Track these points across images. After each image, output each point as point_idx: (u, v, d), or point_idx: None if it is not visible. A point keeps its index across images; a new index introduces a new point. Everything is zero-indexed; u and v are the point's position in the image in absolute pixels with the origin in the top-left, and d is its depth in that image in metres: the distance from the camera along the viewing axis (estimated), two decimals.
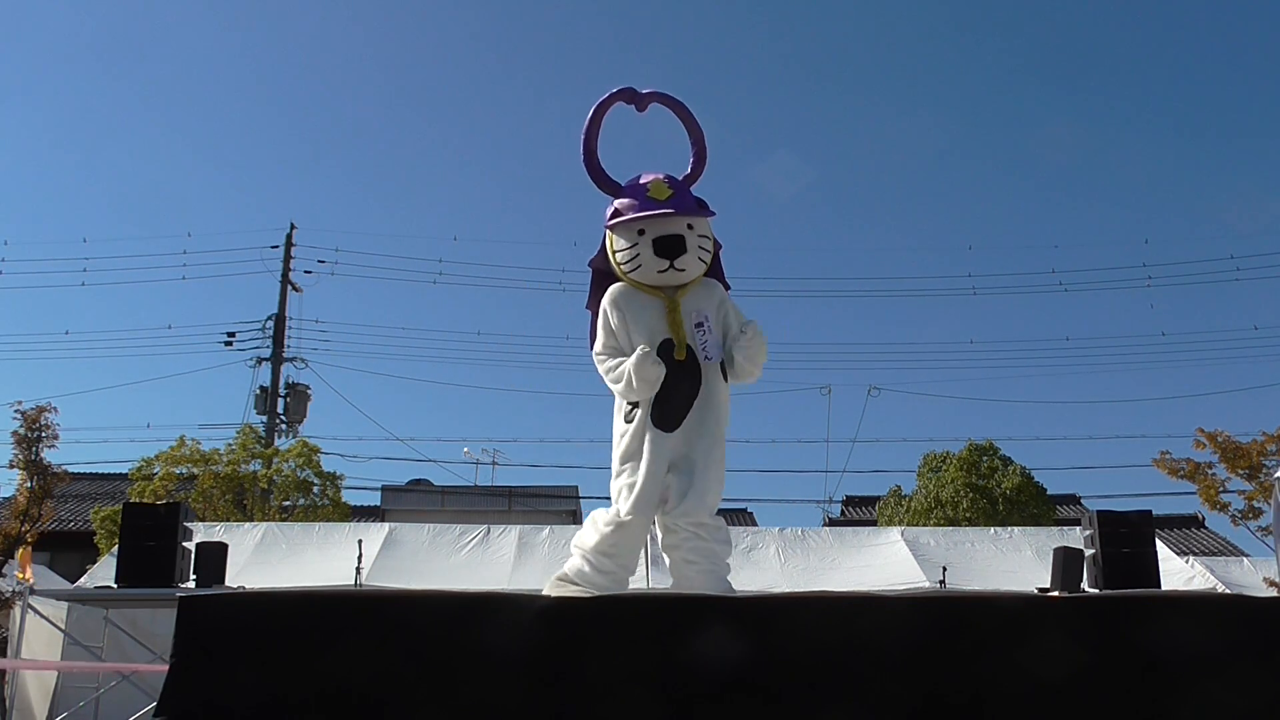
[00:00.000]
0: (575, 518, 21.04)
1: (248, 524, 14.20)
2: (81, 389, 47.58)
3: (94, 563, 14.44)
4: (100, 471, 23.69)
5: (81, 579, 12.75)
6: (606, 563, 4.11)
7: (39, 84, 44.18)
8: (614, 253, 4.34)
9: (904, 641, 3.05)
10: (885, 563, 12.60)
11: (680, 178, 4.42)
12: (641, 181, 4.35)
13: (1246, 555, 15.82)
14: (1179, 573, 12.19)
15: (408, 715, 2.94)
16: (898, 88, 45.82)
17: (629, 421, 4.21)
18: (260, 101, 45.79)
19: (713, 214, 4.39)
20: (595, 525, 4.20)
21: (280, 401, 23.23)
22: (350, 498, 19.36)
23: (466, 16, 46.07)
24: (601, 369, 4.25)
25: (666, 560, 4.25)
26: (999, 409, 50.06)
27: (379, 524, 14.57)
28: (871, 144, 45.80)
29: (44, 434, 13.22)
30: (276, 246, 24.44)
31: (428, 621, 3.07)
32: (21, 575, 11.44)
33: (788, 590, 9.26)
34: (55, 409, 13.43)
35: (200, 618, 3.06)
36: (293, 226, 24.68)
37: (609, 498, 4.25)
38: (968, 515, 17.48)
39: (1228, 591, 10.80)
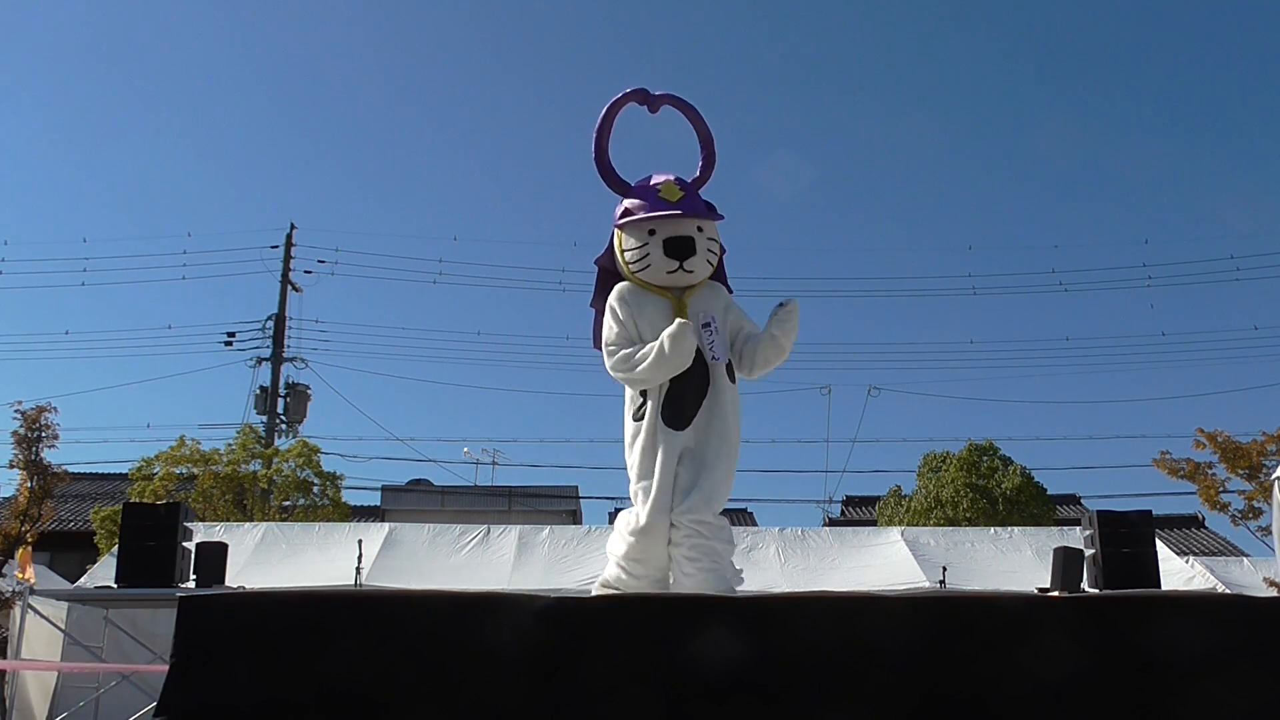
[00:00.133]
0: (575, 518, 21.05)
1: (248, 524, 14.20)
2: (81, 389, 47.65)
3: (94, 563, 14.44)
4: (100, 471, 23.69)
5: (81, 579, 12.75)
6: (639, 568, 4.17)
7: (39, 84, 44.21)
8: (623, 251, 4.34)
9: (904, 641, 3.05)
10: (885, 563, 12.60)
11: (689, 180, 4.43)
12: (652, 182, 4.35)
13: (1246, 555, 15.82)
14: (1179, 573, 12.19)
15: (408, 715, 2.94)
16: (898, 88, 45.84)
17: (638, 420, 4.22)
18: (260, 101, 45.81)
19: (721, 218, 4.41)
20: (621, 533, 4.25)
21: (280, 401, 23.23)
22: (350, 498, 19.39)
23: (466, 16, 46.08)
24: (614, 360, 4.21)
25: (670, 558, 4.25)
26: (999, 409, 50.10)
27: (379, 524, 14.57)
28: (871, 144, 45.83)
29: (44, 434, 13.21)
30: (276, 246, 24.47)
31: (428, 621, 3.07)
32: (21, 575, 11.44)
33: (788, 590, 9.27)
34: (55, 409, 13.43)
35: (200, 618, 3.06)
36: (293, 226, 24.72)
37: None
38: (968, 515, 17.48)
39: (1228, 591, 10.80)
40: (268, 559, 12.34)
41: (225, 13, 44.02)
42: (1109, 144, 43.28)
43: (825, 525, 19.89)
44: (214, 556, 10.31)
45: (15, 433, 13.17)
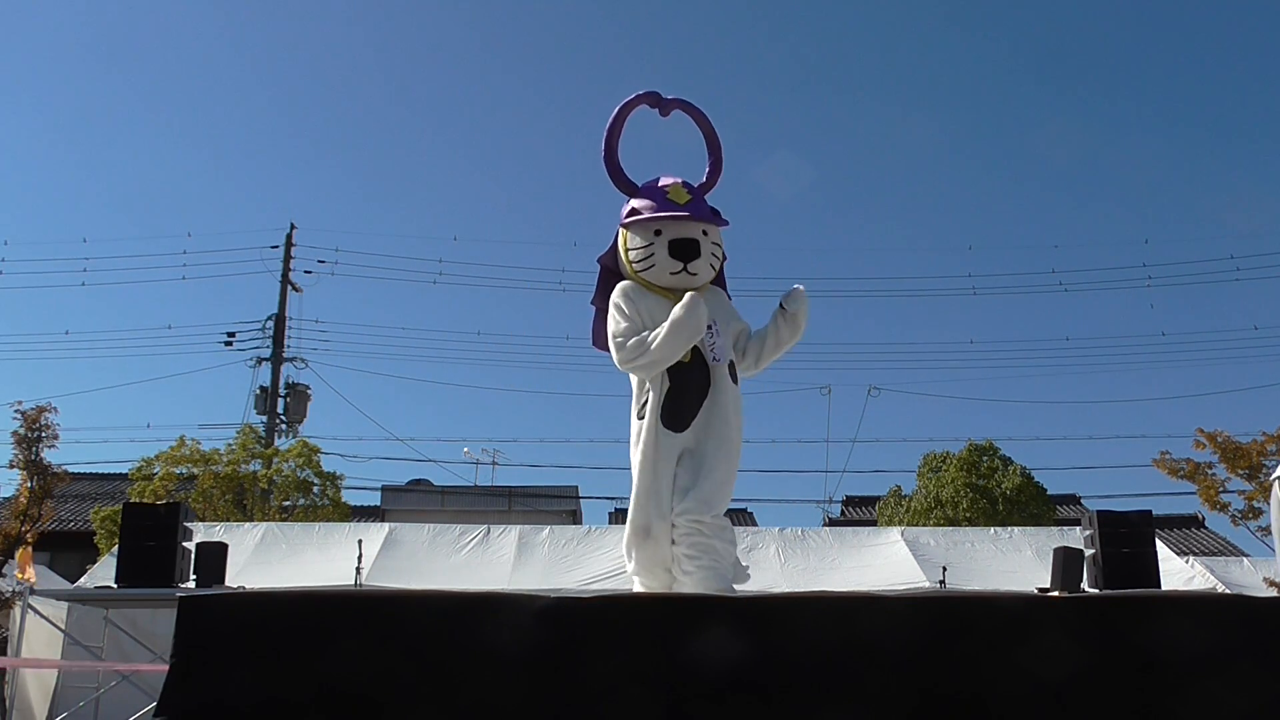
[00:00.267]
0: (575, 518, 21.05)
1: (248, 524, 14.20)
2: (81, 389, 47.63)
3: (94, 563, 14.44)
4: (100, 471, 23.69)
5: (81, 579, 12.75)
6: (657, 570, 4.21)
7: (39, 84, 44.21)
8: (628, 250, 4.35)
9: (904, 641, 3.05)
10: (885, 563, 12.60)
11: (695, 185, 4.45)
12: (661, 184, 4.38)
13: (1246, 555, 15.83)
14: (1179, 573, 12.19)
15: (407, 715, 2.94)
16: (898, 88, 45.84)
17: (642, 418, 4.24)
18: (260, 101, 45.81)
19: (725, 223, 4.43)
20: (630, 544, 4.27)
21: (280, 401, 23.23)
22: (350, 498, 19.39)
23: (466, 16, 46.08)
24: (626, 350, 4.21)
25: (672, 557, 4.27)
26: (999, 409, 50.06)
27: (379, 524, 14.57)
28: (871, 144, 45.83)
29: (44, 434, 13.21)
30: (276, 246, 24.48)
31: (428, 621, 3.07)
32: (21, 575, 11.44)
33: (788, 590, 9.27)
34: (55, 409, 13.42)
35: (200, 618, 3.06)
36: (293, 226, 24.72)
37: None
38: (968, 515, 17.48)
39: (1228, 591, 10.80)
40: (268, 559, 12.34)
41: (225, 13, 44.06)
42: (1109, 144, 43.31)
43: (825, 525, 19.89)
44: (214, 556, 10.31)
45: (15, 433, 13.17)
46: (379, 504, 22.19)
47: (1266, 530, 13.14)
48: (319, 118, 45.31)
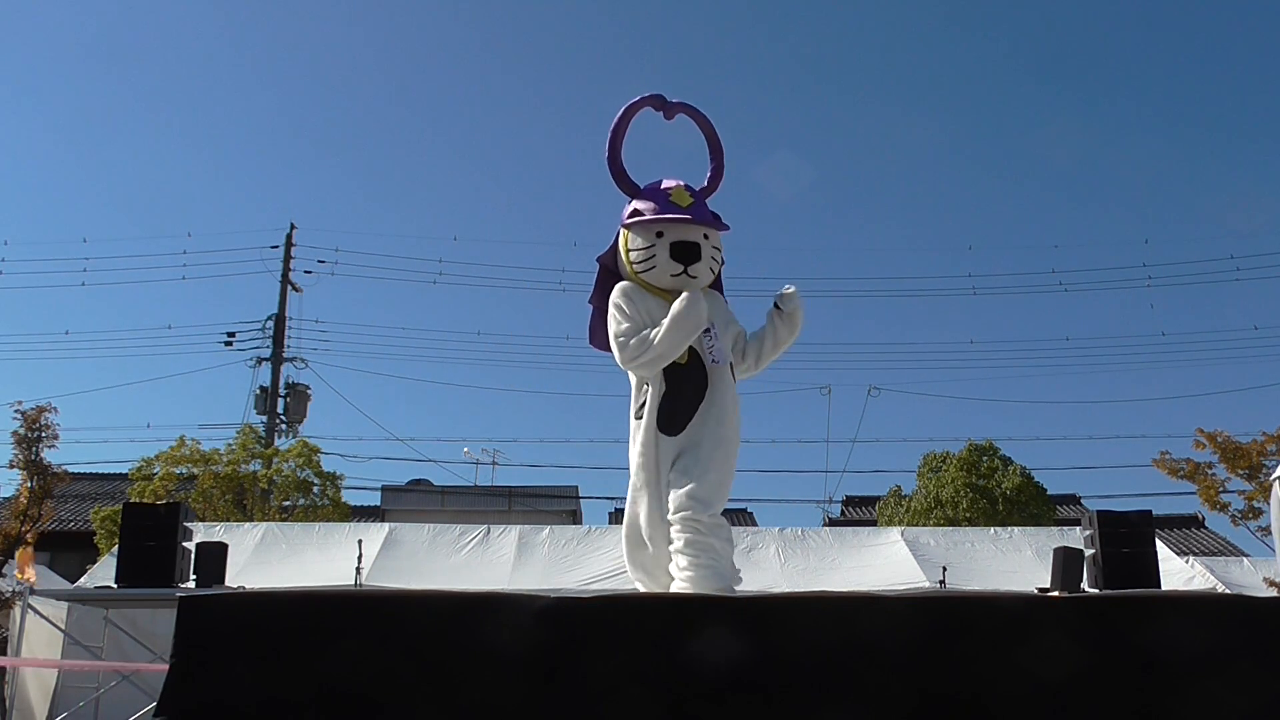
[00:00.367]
0: (575, 518, 21.05)
1: (248, 524, 14.20)
2: (81, 389, 47.59)
3: (94, 563, 14.43)
4: (100, 471, 23.69)
5: (81, 579, 12.74)
6: (657, 573, 4.23)
7: (39, 84, 44.21)
8: (628, 251, 4.36)
9: (904, 641, 3.05)
10: (885, 563, 12.60)
11: (698, 189, 4.47)
12: (663, 186, 4.40)
13: (1246, 555, 15.83)
14: (1179, 573, 12.19)
15: (407, 715, 2.94)
16: (898, 88, 45.84)
17: (639, 418, 4.26)
18: (260, 101, 45.81)
19: (726, 228, 4.45)
20: (628, 548, 4.30)
21: (280, 401, 23.23)
22: (350, 498, 19.38)
23: (466, 16, 46.09)
24: (628, 349, 4.22)
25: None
26: (999, 409, 50.01)
27: (379, 524, 14.57)
28: (871, 144, 45.83)
29: (44, 434, 13.20)
30: (276, 246, 24.47)
31: (428, 621, 3.07)
32: (21, 575, 11.43)
33: (788, 590, 9.27)
34: (55, 409, 13.41)
35: (200, 618, 3.06)
36: (293, 226, 24.71)
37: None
38: (968, 515, 17.48)
39: (1228, 591, 10.80)
40: (268, 559, 12.33)
41: (225, 13, 44.06)
42: (1109, 144, 43.32)
43: (825, 525, 19.89)
44: (214, 556, 10.30)
45: (15, 433, 13.17)
46: (379, 504, 22.18)
47: (1266, 530, 13.14)
48: (319, 118, 45.35)
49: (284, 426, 23.02)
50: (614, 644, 3.05)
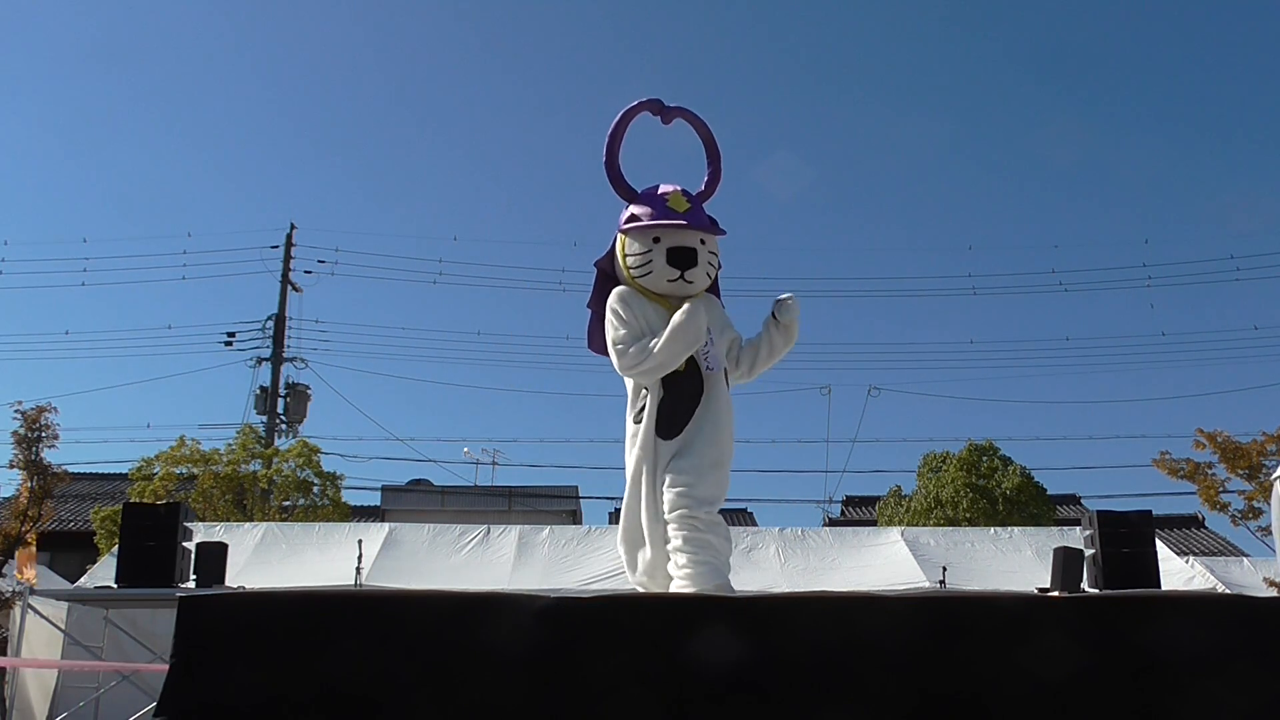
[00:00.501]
0: (575, 518, 21.05)
1: (248, 524, 14.20)
2: (81, 389, 47.59)
3: (94, 563, 14.44)
4: (100, 471, 23.68)
5: (81, 579, 12.74)
6: (658, 575, 4.24)
7: (39, 84, 44.21)
8: (625, 256, 4.39)
9: (904, 641, 3.05)
10: (885, 563, 12.60)
11: (694, 194, 4.49)
12: (660, 191, 4.42)
13: (1246, 555, 15.82)
14: (1179, 573, 12.19)
15: (407, 715, 2.94)
16: (898, 88, 45.84)
17: (637, 422, 4.29)
18: (260, 101, 45.81)
19: (723, 233, 4.47)
20: (627, 552, 4.32)
21: (280, 401, 23.23)
22: (350, 498, 19.38)
23: (466, 16, 46.09)
24: (627, 356, 4.25)
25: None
26: (999, 409, 50.03)
27: (379, 524, 14.57)
28: (871, 144, 45.84)
29: (44, 434, 13.20)
30: (276, 246, 24.47)
31: (428, 621, 3.07)
32: (21, 575, 11.43)
33: (788, 590, 9.27)
34: (55, 409, 13.41)
35: (200, 618, 3.06)
36: (293, 226, 24.71)
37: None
38: (968, 515, 17.48)
39: (1228, 591, 10.80)
40: (268, 559, 12.34)
41: (225, 13, 44.06)
42: (1109, 144, 43.33)
43: (825, 525, 19.88)
44: (214, 556, 10.30)
45: (15, 433, 13.17)
46: (379, 504, 22.18)
47: (1266, 530, 13.13)
48: (319, 118, 45.35)
49: (284, 426, 23.02)
50: (614, 644, 3.05)
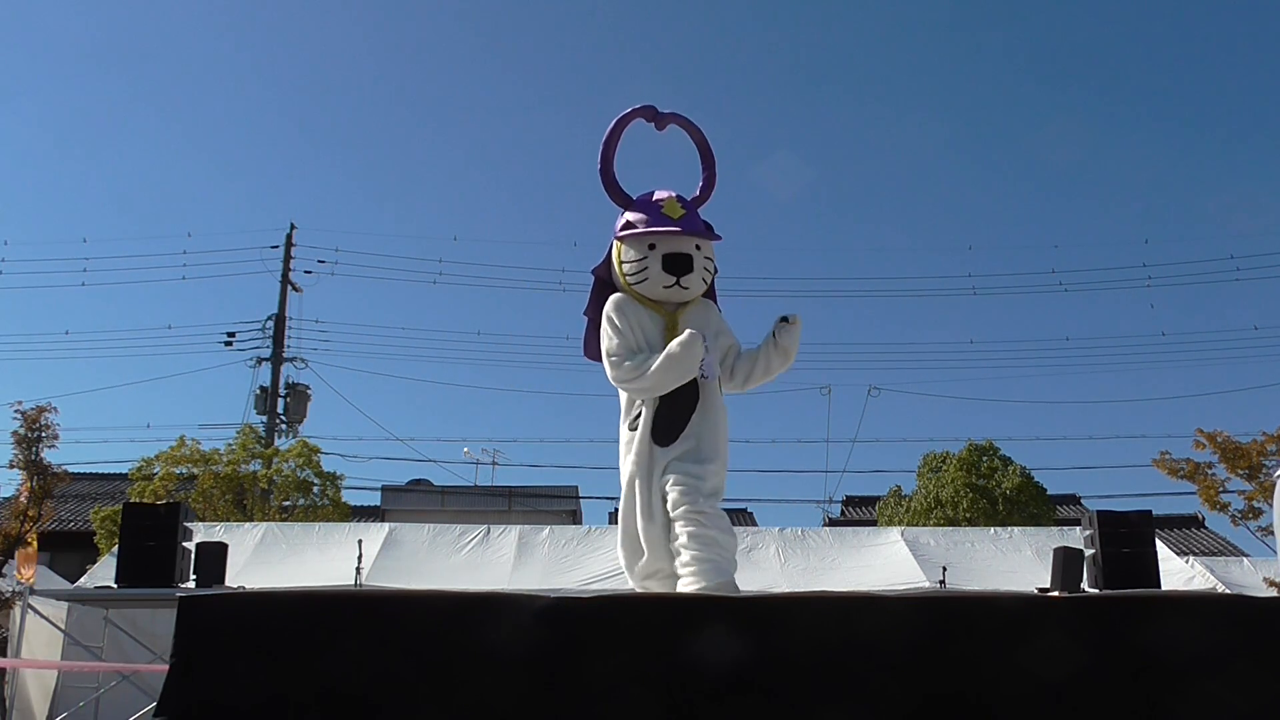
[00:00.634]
0: (575, 518, 21.05)
1: (248, 524, 14.20)
2: (81, 389, 47.58)
3: (94, 563, 14.44)
4: (100, 471, 23.69)
5: (81, 579, 12.74)
6: (658, 579, 4.27)
7: (39, 84, 44.21)
8: (621, 263, 4.41)
9: (904, 641, 3.05)
10: (885, 563, 12.60)
11: (689, 199, 4.50)
12: (655, 198, 4.43)
13: (1246, 555, 15.82)
14: (1179, 573, 12.19)
15: (407, 715, 2.94)
16: (898, 88, 45.83)
17: (633, 429, 4.30)
18: (260, 101, 45.81)
19: (719, 238, 4.49)
20: (626, 557, 4.32)
21: (280, 401, 23.23)
22: (350, 498, 19.38)
23: (466, 17, 46.08)
24: (621, 369, 4.27)
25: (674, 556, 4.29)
26: (999, 409, 50.04)
27: (379, 524, 14.57)
28: (871, 144, 45.84)
29: (44, 434, 13.21)
30: (276, 246, 24.48)
31: (428, 621, 3.07)
32: (21, 575, 11.43)
33: (788, 590, 9.27)
34: (55, 409, 13.42)
35: (200, 618, 3.06)
36: (293, 226, 24.72)
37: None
38: (968, 515, 17.48)
39: (1228, 591, 10.80)
40: (268, 559, 12.34)
41: (225, 13, 44.06)
42: (1109, 144, 43.33)
43: (825, 525, 19.89)
44: (214, 556, 10.31)
45: (15, 433, 13.17)
46: (379, 504, 22.18)
47: (1266, 530, 13.14)
48: (319, 118, 45.36)
49: (284, 426, 23.02)
50: (614, 644, 3.05)
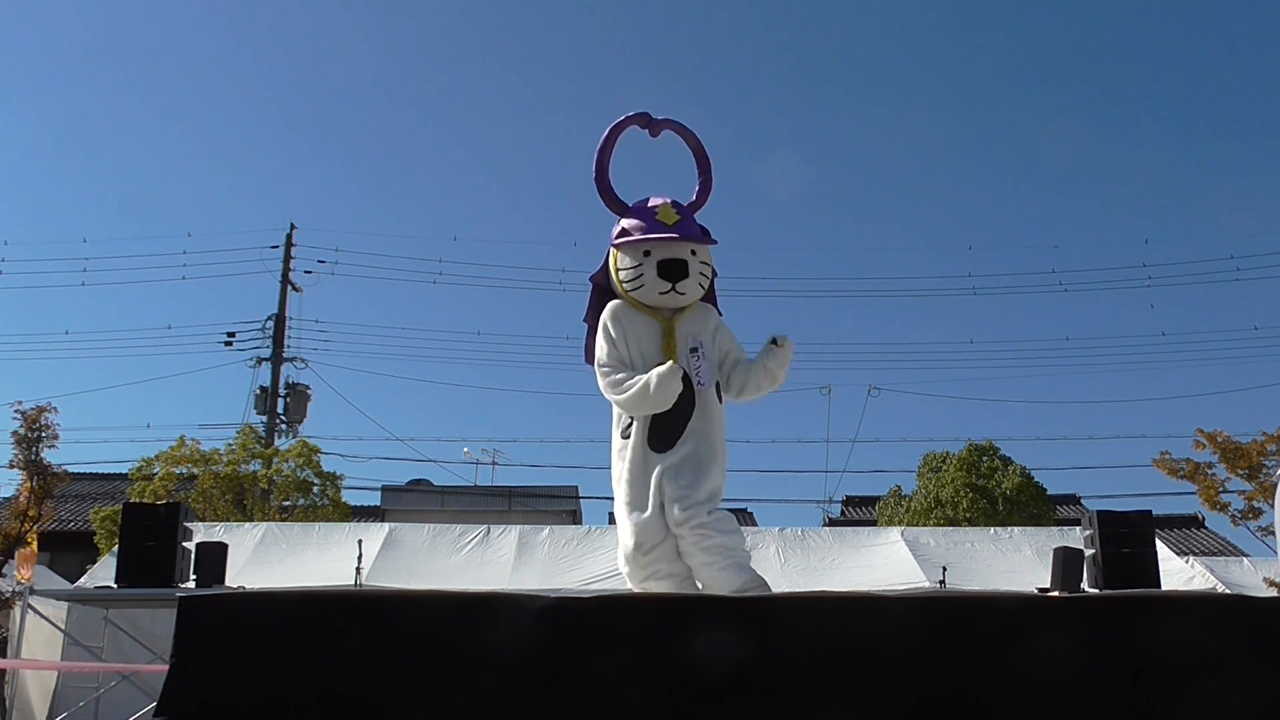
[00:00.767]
0: (575, 518, 21.04)
1: (248, 524, 14.20)
2: (81, 389, 47.59)
3: (94, 563, 14.44)
4: (100, 471, 23.69)
5: (81, 579, 12.74)
6: (660, 580, 4.26)
7: (39, 84, 44.21)
8: (617, 270, 4.44)
9: (904, 641, 3.05)
10: (885, 563, 12.60)
11: (685, 204, 4.51)
12: (650, 204, 4.45)
13: (1246, 555, 15.83)
14: (1179, 573, 12.19)
15: (407, 715, 2.94)
16: (898, 88, 45.84)
17: (626, 438, 4.31)
18: (260, 101, 45.81)
19: (714, 242, 4.51)
20: (626, 561, 4.33)
21: (280, 401, 23.23)
22: (350, 498, 19.39)
23: (466, 17, 46.08)
24: (606, 382, 4.31)
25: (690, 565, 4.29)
26: (999, 409, 50.07)
27: (379, 524, 14.57)
28: (871, 144, 45.85)
29: (44, 434, 13.21)
30: (276, 246, 24.49)
31: (428, 621, 3.07)
32: (20, 575, 11.42)
33: (788, 590, 9.26)
34: (55, 409, 13.43)
35: (200, 618, 3.06)
36: (293, 226, 24.73)
37: (609, 498, 4.33)
38: (968, 515, 17.48)
39: (1228, 591, 10.79)
40: (268, 559, 12.34)
41: (225, 13, 44.05)
42: (1109, 144, 43.34)
43: (825, 525, 19.89)
44: (214, 556, 10.31)
45: (15, 433, 13.18)
46: (379, 504, 22.18)
47: (1266, 530, 13.15)
48: (319, 118, 45.36)
49: (284, 426, 23.03)
50: (614, 644, 3.05)
